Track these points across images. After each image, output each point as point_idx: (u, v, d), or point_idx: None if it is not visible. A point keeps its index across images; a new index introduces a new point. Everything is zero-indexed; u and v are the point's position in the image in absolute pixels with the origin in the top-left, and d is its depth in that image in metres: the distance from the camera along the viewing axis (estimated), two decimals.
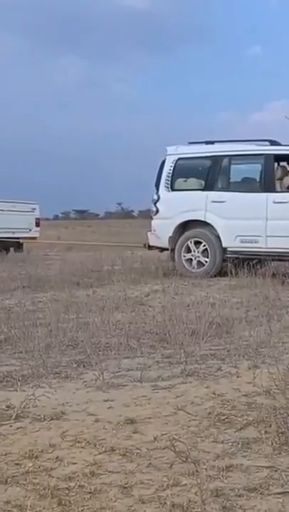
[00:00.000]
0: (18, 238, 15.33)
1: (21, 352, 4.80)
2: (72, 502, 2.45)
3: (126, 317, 6.12)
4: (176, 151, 10.49)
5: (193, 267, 10.00)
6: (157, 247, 10.59)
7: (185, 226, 10.17)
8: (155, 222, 10.45)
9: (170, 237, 10.11)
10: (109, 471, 2.72)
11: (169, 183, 10.34)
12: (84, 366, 4.41)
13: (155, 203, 10.45)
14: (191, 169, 10.52)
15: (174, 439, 3.02)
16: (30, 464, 2.79)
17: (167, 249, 10.33)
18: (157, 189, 10.43)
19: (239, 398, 3.63)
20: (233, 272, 9.05)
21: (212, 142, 10.51)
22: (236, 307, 6.72)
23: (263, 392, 3.69)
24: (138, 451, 2.92)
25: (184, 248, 10.05)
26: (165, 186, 10.35)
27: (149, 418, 3.34)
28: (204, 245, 9.97)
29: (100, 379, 3.98)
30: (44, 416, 3.37)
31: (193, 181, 10.47)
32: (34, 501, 2.46)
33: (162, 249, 10.56)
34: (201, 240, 10.00)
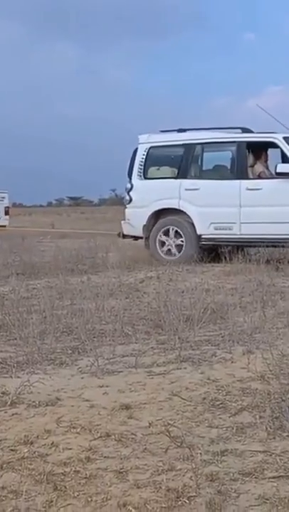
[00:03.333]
0: None
1: (16, 339, 4.80)
2: (67, 487, 2.46)
3: (120, 304, 6.12)
4: (148, 140, 10.46)
5: (169, 254, 10.01)
6: (131, 236, 10.61)
7: (159, 214, 10.18)
8: (129, 211, 10.42)
9: (144, 225, 10.12)
10: (105, 457, 2.73)
11: (142, 171, 10.32)
12: (79, 352, 4.42)
13: (128, 192, 10.43)
14: (163, 157, 10.52)
15: (168, 424, 3.03)
16: (26, 450, 2.80)
17: (141, 238, 10.35)
18: (130, 178, 10.41)
19: (233, 383, 3.64)
20: (227, 258, 9.07)
21: (184, 130, 10.50)
22: (230, 293, 6.74)
23: (257, 377, 3.70)
24: (133, 436, 2.93)
25: (158, 236, 10.07)
26: (138, 175, 10.34)
27: (144, 404, 3.35)
28: (178, 233, 9.99)
29: (94, 365, 3.98)
30: (39, 402, 3.37)
31: (166, 169, 10.46)
32: (29, 487, 2.47)
33: (136, 238, 10.58)
34: (176, 228, 10.01)
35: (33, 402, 3.38)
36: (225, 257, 9.23)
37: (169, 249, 10.05)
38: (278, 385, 3.47)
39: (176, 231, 10.00)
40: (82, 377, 3.86)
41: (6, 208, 16.50)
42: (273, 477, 2.51)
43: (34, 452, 2.78)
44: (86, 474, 2.56)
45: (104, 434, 2.95)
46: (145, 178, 10.36)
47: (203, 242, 9.92)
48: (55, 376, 3.88)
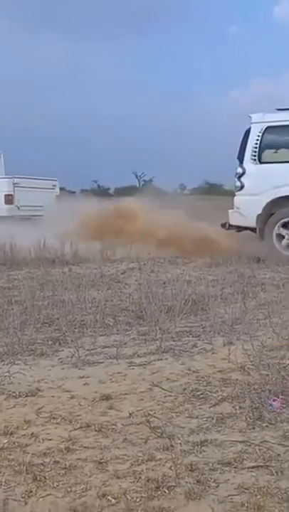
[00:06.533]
0: (38, 216, 14.36)
1: None
2: (47, 478, 2.45)
3: (102, 294, 6.11)
4: (264, 119, 9.45)
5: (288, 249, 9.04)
6: (239, 227, 9.57)
7: (277, 203, 9.18)
8: (239, 199, 9.38)
9: (258, 215, 9.15)
10: (85, 447, 2.73)
11: (257, 154, 9.34)
12: (59, 343, 4.41)
13: (239, 178, 9.41)
14: (282, 139, 9.47)
15: (149, 414, 3.04)
16: (5, 441, 2.79)
17: (250, 229, 9.43)
18: (241, 162, 9.43)
19: (214, 374, 3.66)
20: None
21: None
22: (212, 285, 6.76)
23: (237, 368, 3.72)
24: (113, 426, 2.93)
25: (276, 228, 9.13)
26: (251, 158, 9.36)
27: (125, 394, 3.35)
28: None
29: (75, 356, 3.98)
30: (19, 393, 3.36)
31: (286, 152, 9.43)
32: (9, 477, 2.46)
33: (241, 229, 9.61)
34: None
35: (13, 392, 3.37)
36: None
37: None
38: (258, 375, 3.49)
39: None
40: (62, 368, 3.85)
41: (57, 196, 15.47)
42: (252, 467, 2.52)
43: (14, 443, 2.77)
44: (66, 465, 2.56)
45: (85, 424, 2.95)
46: (260, 162, 9.35)
47: None
48: (35, 367, 3.87)
